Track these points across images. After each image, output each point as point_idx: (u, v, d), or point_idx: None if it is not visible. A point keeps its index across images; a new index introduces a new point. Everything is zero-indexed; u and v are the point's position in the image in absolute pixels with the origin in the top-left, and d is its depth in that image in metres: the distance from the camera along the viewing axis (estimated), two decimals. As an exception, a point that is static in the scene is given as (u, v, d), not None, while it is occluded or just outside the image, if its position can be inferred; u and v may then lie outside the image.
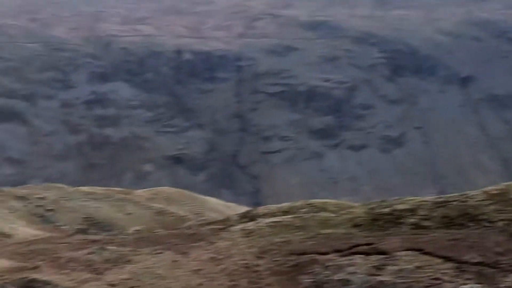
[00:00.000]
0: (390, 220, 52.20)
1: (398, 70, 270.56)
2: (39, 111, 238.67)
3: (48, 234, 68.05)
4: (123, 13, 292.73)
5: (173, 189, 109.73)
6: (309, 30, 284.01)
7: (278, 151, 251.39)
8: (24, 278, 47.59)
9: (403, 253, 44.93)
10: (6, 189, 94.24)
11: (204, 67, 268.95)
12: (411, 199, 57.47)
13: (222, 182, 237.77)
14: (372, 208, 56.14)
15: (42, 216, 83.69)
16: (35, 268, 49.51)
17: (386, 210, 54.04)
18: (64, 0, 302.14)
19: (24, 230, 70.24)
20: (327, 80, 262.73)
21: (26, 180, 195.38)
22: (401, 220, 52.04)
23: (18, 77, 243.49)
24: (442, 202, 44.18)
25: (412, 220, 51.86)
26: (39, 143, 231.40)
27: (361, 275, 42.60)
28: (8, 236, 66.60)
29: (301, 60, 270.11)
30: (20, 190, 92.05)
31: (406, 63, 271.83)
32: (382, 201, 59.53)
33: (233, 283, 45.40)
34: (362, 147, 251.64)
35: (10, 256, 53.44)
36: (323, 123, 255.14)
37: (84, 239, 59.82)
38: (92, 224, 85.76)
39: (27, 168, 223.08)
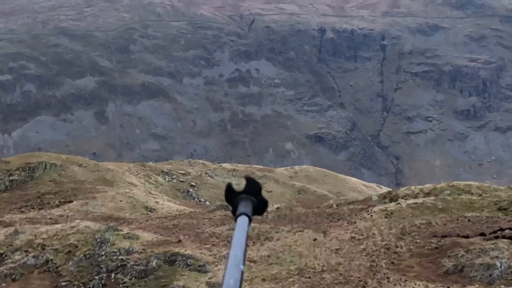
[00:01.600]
0: (538, 205, 50.70)
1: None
2: (184, 88, 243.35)
3: (190, 209, 69.53)
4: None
5: (314, 168, 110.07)
6: (456, 8, 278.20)
7: (421, 131, 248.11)
8: (167, 251, 48.79)
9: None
10: (152, 164, 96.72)
11: (347, 46, 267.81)
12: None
13: (363, 162, 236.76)
14: (519, 192, 54.54)
15: (185, 192, 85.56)
16: (178, 242, 50.68)
17: (533, 194, 52.46)
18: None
19: (168, 205, 72.02)
20: (473, 60, 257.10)
21: (171, 155, 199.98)
22: (549, 205, 50.40)
23: (163, 55, 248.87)
24: None
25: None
26: (183, 120, 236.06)
27: (505, 260, 41.57)
28: (152, 210, 68.42)
29: (446, 39, 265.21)
30: (165, 165, 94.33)
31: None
32: (529, 184, 57.61)
33: (373, 263, 45.12)
34: (509, 129, 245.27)
35: (154, 229, 54.90)
36: (468, 104, 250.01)
37: (225, 215, 60.78)
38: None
39: (171, 144, 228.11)
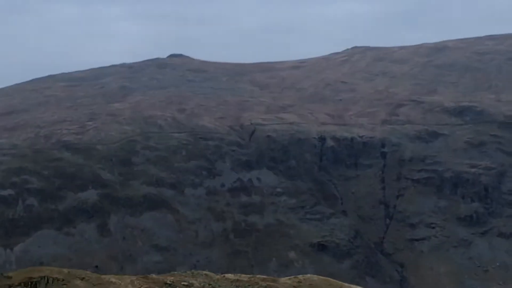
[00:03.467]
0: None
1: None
2: (186, 198, 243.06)
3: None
4: (267, 102, 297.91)
5: (318, 277, 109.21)
6: (454, 115, 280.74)
7: (425, 238, 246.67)
8: None
9: None
10: (154, 276, 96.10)
11: (348, 154, 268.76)
12: None
13: (368, 270, 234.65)
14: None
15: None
16: None
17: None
18: (211, 91, 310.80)
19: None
20: (474, 166, 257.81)
21: (173, 267, 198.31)
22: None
23: (165, 166, 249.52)
24: None
25: None
26: (186, 231, 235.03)
27: None
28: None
29: (446, 146, 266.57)
30: (168, 277, 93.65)
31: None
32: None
33: None
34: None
35: None
36: (471, 210, 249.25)
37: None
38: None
39: (174, 255, 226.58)
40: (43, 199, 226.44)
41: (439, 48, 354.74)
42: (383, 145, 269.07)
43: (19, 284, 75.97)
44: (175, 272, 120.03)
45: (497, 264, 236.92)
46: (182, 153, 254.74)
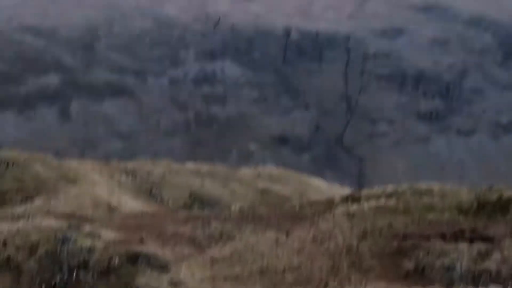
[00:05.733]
0: (497, 208, 51.31)
1: (510, 55, 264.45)
2: (148, 87, 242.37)
3: (153, 209, 69.45)
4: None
5: (277, 169, 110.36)
6: (421, 12, 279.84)
7: (385, 134, 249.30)
8: (130, 250, 48.73)
9: (510, 241, 44.06)
10: (115, 163, 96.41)
11: (312, 48, 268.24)
12: (520, 187, 55.96)
13: (327, 164, 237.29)
14: (479, 195, 55.24)
15: (148, 191, 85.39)
16: (140, 241, 50.63)
17: (493, 197, 53.11)
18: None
19: (131, 204, 71.85)
20: (437, 64, 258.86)
21: (134, 155, 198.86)
22: (509, 208, 51.04)
23: (128, 53, 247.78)
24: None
25: (520, 208, 50.74)
26: (148, 119, 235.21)
27: (465, 262, 42.04)
28: (115, 209, 68.26)
29: (411, 43, 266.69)
30: (129, 164, 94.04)
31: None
32: (490, 187, 58.50)
33: (334, 264, 45.41)
34: (471, 132, 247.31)
35: (117, 228, 54.77)
36: (431, 107, 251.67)
37: (188, 215, 60.78)
38: (197, 200, 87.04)
39: (135, 143, 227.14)
40: (4, 82, 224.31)
41: None
42: (347, 40, 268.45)
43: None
44: (136, 160, 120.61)
45: (454, 161, 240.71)
46: (145, 41, 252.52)
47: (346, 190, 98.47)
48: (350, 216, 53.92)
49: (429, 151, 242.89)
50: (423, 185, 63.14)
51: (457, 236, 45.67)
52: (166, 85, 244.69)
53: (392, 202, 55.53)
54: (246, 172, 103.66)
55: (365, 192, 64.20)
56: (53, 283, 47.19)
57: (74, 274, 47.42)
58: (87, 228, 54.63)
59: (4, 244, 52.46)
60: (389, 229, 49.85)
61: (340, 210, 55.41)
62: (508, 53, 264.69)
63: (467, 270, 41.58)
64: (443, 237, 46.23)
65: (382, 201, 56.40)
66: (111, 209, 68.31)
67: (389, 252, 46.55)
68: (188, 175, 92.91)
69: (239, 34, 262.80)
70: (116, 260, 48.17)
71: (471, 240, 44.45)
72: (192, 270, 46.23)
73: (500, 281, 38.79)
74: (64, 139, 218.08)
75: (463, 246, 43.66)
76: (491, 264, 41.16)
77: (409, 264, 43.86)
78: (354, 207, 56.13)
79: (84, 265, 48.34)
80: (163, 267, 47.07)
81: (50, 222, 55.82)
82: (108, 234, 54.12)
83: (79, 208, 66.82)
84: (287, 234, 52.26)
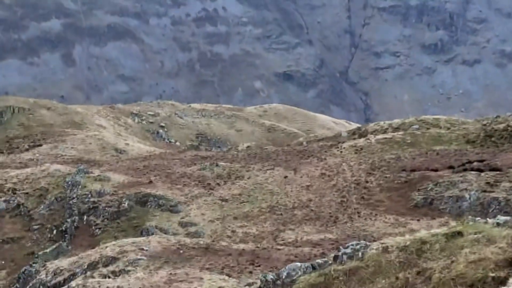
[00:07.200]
0: (505, 136, 51.26)
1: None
2: (151, 28, 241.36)
3: (161, 150, 69.56)
4: None
5: (283, 106, 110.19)
6: None
7: (389, 67, 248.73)
8: (139, 192, 48.92)
9: (518, 170, 44.00)
10: (121, 106, 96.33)
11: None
12: (527, 115, 55.72)
13: (332, 99, 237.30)
14: (486, 124, 55.09)
15: (155, 133, 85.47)
16: (149, 183, 50.80)
17: (501, 126, 52.98)
18: None
19: (138, 146, 71.97)
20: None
21: (139, 97, 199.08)
22: (516, 137, 50.89)
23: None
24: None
25: (527, 137, 50.66)
26: (151, 61, 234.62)
27: (474, 192, 42.11)
28: (123, 152, 68.35)
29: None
30: (134, 107, 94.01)
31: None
32: (497, 116, 58.25)
33: (343, 199, 45.55)
34: (476, 62, 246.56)
35: (125, 171, 54.93)
36: (435, 38, 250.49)
37: (195, 155, 60.89)
38: (204, 140, 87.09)
39: (139, 85, 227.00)
40: (5, 29, 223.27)
41: None
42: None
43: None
44: (141, 102, 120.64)
45: (460, 91, 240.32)
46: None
47: (352, 125, 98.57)
48: (357, 150, 54.00)
49: (434, 82, 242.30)
50: (429, 117, 63.05)
51: (465, 166, 45.76)
52: (168, 26, 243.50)
53: (399, 135, 55.59)
54: (252, 110, 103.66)
55: (371, 126, 64.23)
56: (63, 227, 47.59)
57: (84, 218, 47.80)
58: (95, 172, 54.89)
59: (14, 191, 52.72)
60: (397, 162, 49.95)
61: (347, 145, 55.51)
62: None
63: (476, 200, 41.71)
64: (451, 168, 46.33)
65: (389, 134, 56.45)
66: (118, 152, 68.52)
67: (398, 185, 46.70)
68: (194, 115, 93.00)
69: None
70: (125, 203, 48.48)
71: (479, 170, 44.53)
72: (201, 210, 46.52)
73: (509, 210, 38.85)
74: (68, 84, 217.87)
75: (471, 176, 43.75)
76: (500, 192, 41.24)
77: (418, 196, 44.02)
78: (361, 142, 56.20)
79: (93, 209, 48.72)
80: (172, 208, 47.35)
81: (59, 168, 56.07)
82: (117, 177, 54.32)
83: (87, 152, 67.04)
84: (295, 171, 52.39)
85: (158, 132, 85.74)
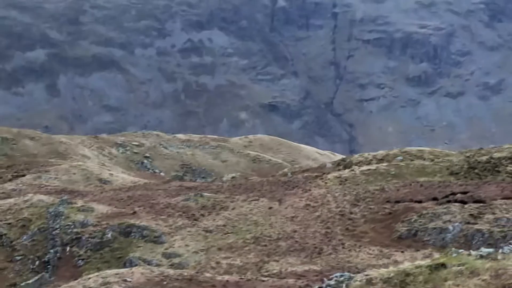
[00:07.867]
0: (488, 168, 51.52)
1: (496, 16, 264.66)
2: (136, 59, 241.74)
3: (145, 181, 69.36)
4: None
5: (268, 137, 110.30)
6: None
7: (374, 98, 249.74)
8: (122, 223, 48.70)
9: (501, 201, 44.19)
10: (105, 136, 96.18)
11: (299, 15, 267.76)
12: (510, 147, 56.09)
13: (317, 130, 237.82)
14: (469, 156, 55.32)
15: (139, 163, 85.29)
16: (133, 213, 50.60)
17: (484, 158, 53.25)
18: None
19: (122, 177, 71.76)
20: (424, 27, 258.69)
21: (124, 127, 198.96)
22: (499, 168, 51.18)
23: (114, 26, 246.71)
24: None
25: (510, 168, 50.90)
26: (136, 91, 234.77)
27: (457, 224, 42.21)
28: (107, 182, 68.12)
29: (397, 7, 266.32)
30: (118, 137, 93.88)
31: (505, 9, 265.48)
32: (480, 149, 58.49)
33: (328, 230, 45.52)
34: (459, 94, 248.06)
35: (109, 202, 54.70)
36: (419, 70, 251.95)
37: (180, 186, 60.75)
38: (189, 170, 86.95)
39: (124, 115, 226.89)
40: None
41: None
42: (334, 6, 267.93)
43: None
44: (126, 132, 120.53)
45: (444, 123, 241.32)
46: (131, 12, 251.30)
47: (337, 156, 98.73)
48: (342, 181, 54.08)
49: (419, 114, 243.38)
50: (413, 149, 63.31)
51: (448, 198, 45.92)
52: (154, 56, 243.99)
53: (383, 166, 55.73)
54: (237, 141, 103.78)
55: (356, 157, 64.39)
56: (46, 258, 47.27)
57: (68, 249, 47.50)
58: (79, 202, 54.67)
59: (-3, 221, 52.36)
60: (381, 194, 50.05)
61: (332, 176, 55.59)
62: (494, 14, 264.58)
63: (460, 231, 41.84)
64: (435, 199, 46.47)
65: (374, 165, 56.59)
66: (102, 182, 68.30)
67: (382, 216, 46.78)
68: (179, 146, 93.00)
69: (225, 3, 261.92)
70: (109, 234, 48.25)
71: (463, 202, 44.69)
72: (186, 241, 46.35)
73: (493, 242, 38.96)
74: (53, 114, 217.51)
75: (455, 208, 43.89)
76: (483, 224, 41.41)
77: (402, 228, 44.10)
78: (346, 173, 56.31)
79: (77, 240, 48.45)
80: (156, 239, 47.18)
81: (42, 198, 55.80)
82: (100, 208, 54.12)
83: (71, 182, 66.77)
84: (280, 202, 52.38)
85: (142, 163, 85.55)
